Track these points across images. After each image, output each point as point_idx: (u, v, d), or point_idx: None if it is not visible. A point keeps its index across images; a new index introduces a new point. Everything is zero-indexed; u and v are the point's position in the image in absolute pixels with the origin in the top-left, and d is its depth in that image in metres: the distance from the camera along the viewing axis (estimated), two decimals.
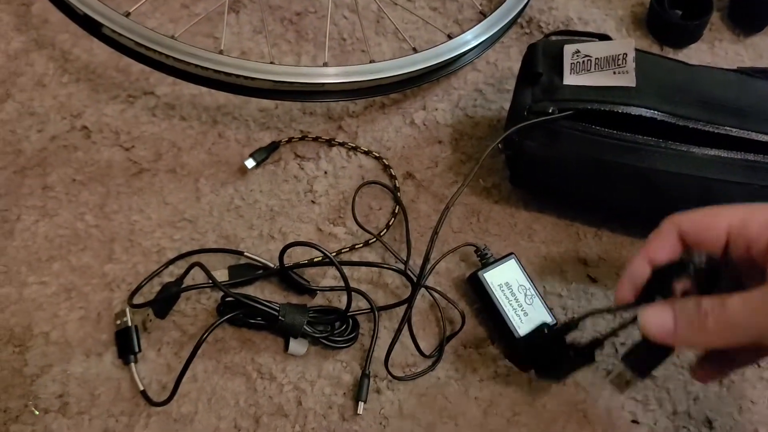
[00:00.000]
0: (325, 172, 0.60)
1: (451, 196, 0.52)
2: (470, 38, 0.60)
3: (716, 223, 0.40)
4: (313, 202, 0.59)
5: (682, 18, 0.65)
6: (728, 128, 0.50)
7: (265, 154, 0.60)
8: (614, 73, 0.51)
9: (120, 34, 0.54)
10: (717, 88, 0.52)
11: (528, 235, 0.58)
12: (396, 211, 0.59)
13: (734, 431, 0.52)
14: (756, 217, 0.39)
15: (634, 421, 0.52)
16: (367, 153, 0.61)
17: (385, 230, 0.58)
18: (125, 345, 0.53)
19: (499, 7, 0.63)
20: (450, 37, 0.60)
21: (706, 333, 0.36)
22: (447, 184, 0.60)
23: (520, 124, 0.51)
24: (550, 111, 0.51)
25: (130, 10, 0.55)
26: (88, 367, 0.53)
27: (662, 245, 0.41)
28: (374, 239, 0.57)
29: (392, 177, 0.60)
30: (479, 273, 0.53)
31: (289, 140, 0.61)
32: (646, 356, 0.42)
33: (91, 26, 0.55)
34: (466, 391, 0.53)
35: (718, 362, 0.44)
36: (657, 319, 0.39)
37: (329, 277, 0.57)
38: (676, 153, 0.51)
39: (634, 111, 0.50)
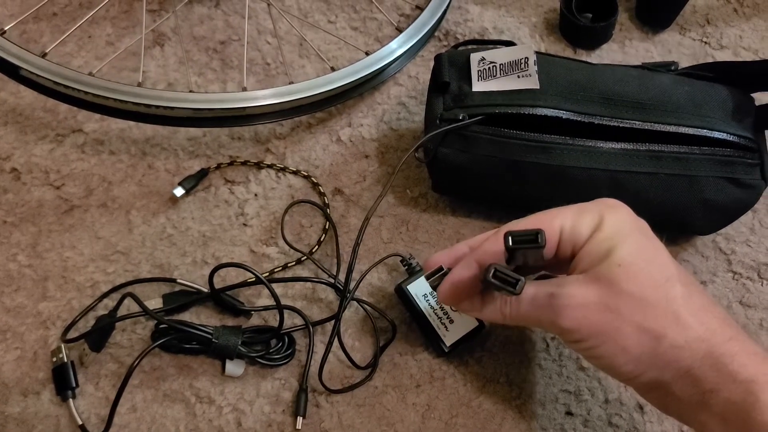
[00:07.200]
0: (256, 195, 0.61)
1: (369, 208, 0.53)
2: (385, 54, 0.62)
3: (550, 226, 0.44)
4: (244, 224, 0.60)
5: (593, 21, 0.67)
6: (631, 121, 0.52)
7: (194, 181, 0.61)
8: (518, 77, 0.53)
9: (38, 75, 0.55)
10: (618, 84, 0.53)
11: (456, 240, 0.60)
12: (326, 227, 0.60)
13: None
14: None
15: (569, 413, 0.53)
16: (295, 173, 0.62)
17: (316, 247, 0.59)
18: (62, 381, 0.53)
19: (413, 22, 0.65)
20: (367, 54, 0.62)
21: (503, 317, 0.44)
22: (375, 197, 0.61)
23: (431, 132, 0.53)
24: (461, 117, 0.53)
25: (47, 51, 0.56)
26: (26, 407, 0.53)
27: (492, 250, 0.44)
28: (305, 257, 0.58)
29: (321, 194, 0.61)
30: (403, 285, 0.54)
31: (218, 166, 0.62)
32: None
33: (9, 69, 0.56)
34: (403, 398, 0.54)
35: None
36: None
37: (264, 297, 0.57)
38: (584, 149, 0.52)
39: (540, 111, 0.52)
